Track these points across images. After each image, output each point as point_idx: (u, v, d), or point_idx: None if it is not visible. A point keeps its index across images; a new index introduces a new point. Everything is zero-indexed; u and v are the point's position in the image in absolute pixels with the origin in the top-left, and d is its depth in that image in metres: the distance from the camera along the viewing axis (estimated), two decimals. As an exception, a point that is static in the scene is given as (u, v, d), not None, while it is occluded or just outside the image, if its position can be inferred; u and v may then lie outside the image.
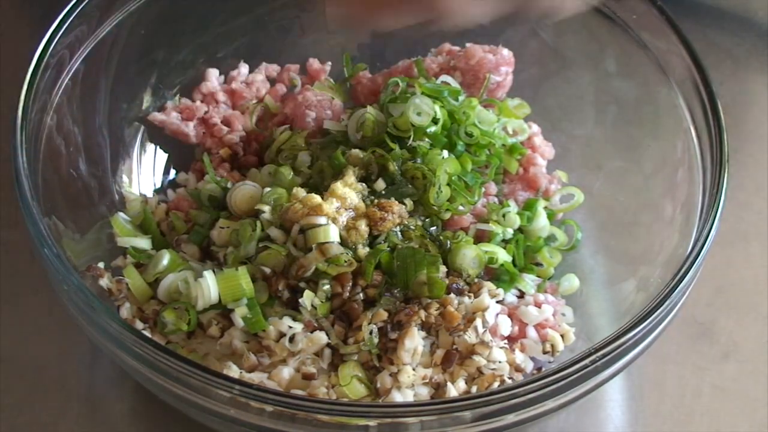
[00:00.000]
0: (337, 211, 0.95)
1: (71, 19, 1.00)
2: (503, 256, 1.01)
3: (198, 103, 1.16)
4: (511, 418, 0.80)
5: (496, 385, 0.91)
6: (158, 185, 1.12)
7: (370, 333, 0.91)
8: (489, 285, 0.98)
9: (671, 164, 1.05)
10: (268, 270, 0.94)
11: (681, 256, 0.90)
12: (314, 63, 1.21)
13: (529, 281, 1.02)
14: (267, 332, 0.92)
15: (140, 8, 1.09)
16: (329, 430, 0.79)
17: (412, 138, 1.02)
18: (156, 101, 1.15)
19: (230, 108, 1.17)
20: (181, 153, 1.14)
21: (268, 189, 1.00)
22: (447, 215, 1.02)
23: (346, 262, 0.93)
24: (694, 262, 0.86)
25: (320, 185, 1.01)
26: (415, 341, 0.91)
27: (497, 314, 0.95)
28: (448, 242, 1.00)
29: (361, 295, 0.94)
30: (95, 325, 0.84)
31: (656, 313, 0.84)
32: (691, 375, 1.08)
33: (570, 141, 1.15)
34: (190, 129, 1.13)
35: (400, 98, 1.04)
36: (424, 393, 0.92)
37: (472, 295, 0.97)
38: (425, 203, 1.00)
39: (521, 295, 1.01)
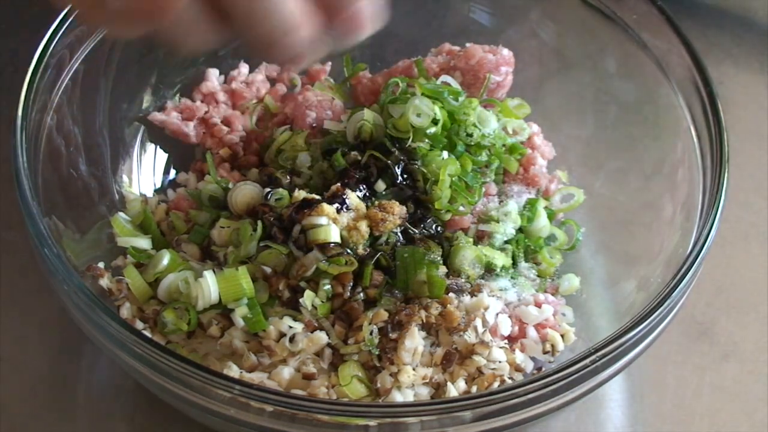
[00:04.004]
0: (338, 212, 0.95)
1: (71, 19, 1.00)
2: (501, 261, 1.01)
3: (198, 103, 1.16)
4: (511, 418, 0.80)
5: (496, 385, 0.92)
6: (158, 185, 1.13)
7: (371, 333, 0.92)
8: (489, 284, 0.98)
9: (671, 164, 1.05)
10: (268, 270, 0.94)
11: (681, 255, 0.90)
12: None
13: (528, 281, 1.02)
14: (267, 332, 0.92)
15: (140, 8, 1.09)
16: (329, 430, 0.80)
17: (411, 139, 1.02)
18: (156, 101, 1.15)
19: (230, 108, 1.17)
20: (181, 153, 1.14)
21: (268, 189, 1.00)
22: (447, 216, 1.02)
23: (346, 262, 0.93)
24: (694, 262, 0.86)
25: (321, 186, 1.01)
26: (415, 341, 0.91)
27: (497, 314, 0.95)
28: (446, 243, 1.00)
29: (361, 295, 0.94)
30: (95, 325, 0.84)
31: (656, 313, 0.84)
32: (691, 375, 1.08)
33: (570, 141, 1.16)
34: (190, 129, 1.13)
35: (401, 99, 1.04)
36: (424, 393, 0.92)
37: (471, 294, 0.97)
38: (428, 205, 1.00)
39: (521, 295, 1.01)
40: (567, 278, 1.04)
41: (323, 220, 0.94)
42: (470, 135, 1.04)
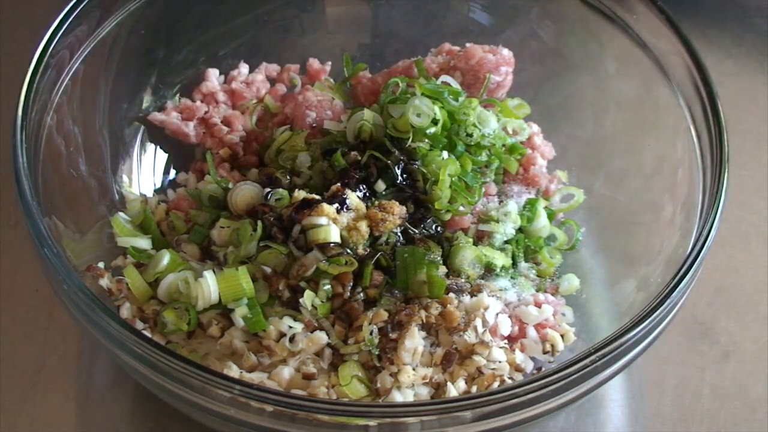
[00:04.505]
0: (338, 212, 0.95)
1: (71, 19, 1.00)
2: (501, 262, 1.01)
3: (198, 103, 1.16)
4: (511, 418, 0.80)
5: (496, 385, 0.91)
6: (158, 185, 1.13)
7: (371, 333, 0.92)
8: (489, 284, 0.98)
9: (671, 164, 1.05)
10: (268, 270, 0.94)
11: (681, 255, 0.90)
12: (314, 63, 1.21)
13: (528, 281, 1.02)
14: (267, 332, 0.92)
15: (140, 8, 1.09)
16: (329, 430, 0.80)
17: (411, 139, 1.02)
18: (156, 101, 1.15)
19: (230, 108, 1.17)
20: (181, 153, 1.15)
21: (268, 189, 1.00)
22: (447, 216, 1.02)
23: (346, 262, 0.93)
24: (694, 262, 0.86)
25: (321, 186, 1.01)
26: (415, 341, 0.91)
27: (497, 314, 0.95)
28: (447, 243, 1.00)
29: (361, 295, 0.94)
30: (95, 325, 0.84)
31: (656, 313, 0.84)
32: (691, 375, 1.08)
33: (570, 141, 1.16)
34: (190, 129, 1.13)
35: (401, 99, 1.04)
36: (424, 393, 0.92)
37: (471, 294, 0.97)
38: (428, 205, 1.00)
39: (521, 295, 1.01)
40: (567, 278, 1.04)
41: (323, 220, 0.94)
42: (470, 135, 1.04)
